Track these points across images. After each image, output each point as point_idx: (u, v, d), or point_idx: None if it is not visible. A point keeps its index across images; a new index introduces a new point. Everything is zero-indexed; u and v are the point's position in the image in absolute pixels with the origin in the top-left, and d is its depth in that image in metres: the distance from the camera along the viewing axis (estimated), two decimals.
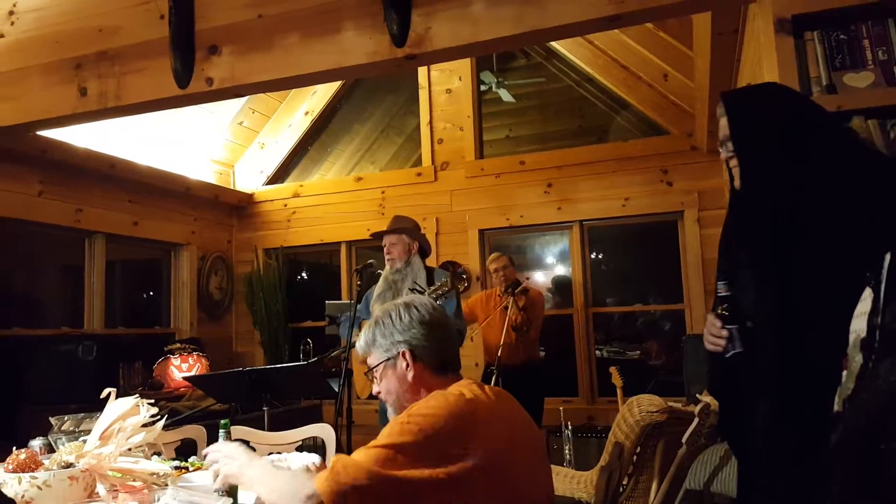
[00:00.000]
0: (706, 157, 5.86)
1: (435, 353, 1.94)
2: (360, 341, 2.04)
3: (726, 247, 1.96)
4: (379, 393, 2.01)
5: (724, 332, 1.86)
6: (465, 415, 1.71)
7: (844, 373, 1.40)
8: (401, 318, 1.96)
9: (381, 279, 4.27)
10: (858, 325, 1.37)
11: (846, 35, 2.48)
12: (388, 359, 1.95)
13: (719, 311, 1.89)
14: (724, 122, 1.89)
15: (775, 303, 1.72)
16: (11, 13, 4.02)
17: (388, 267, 4.24)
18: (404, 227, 4.32)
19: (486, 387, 1.90)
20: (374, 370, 1.99)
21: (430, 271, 4.30)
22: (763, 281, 1.76)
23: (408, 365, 1.92)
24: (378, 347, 1.98)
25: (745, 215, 1.87)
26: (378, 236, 4.44)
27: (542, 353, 5.63)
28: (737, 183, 1.85)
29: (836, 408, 1.37)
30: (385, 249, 4.27)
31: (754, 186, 1.81)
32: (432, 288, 3.99)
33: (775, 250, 1.72)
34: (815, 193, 1.68)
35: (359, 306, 4.44)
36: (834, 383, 1.40)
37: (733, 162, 1.86)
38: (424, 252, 4.38)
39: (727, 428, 2.06)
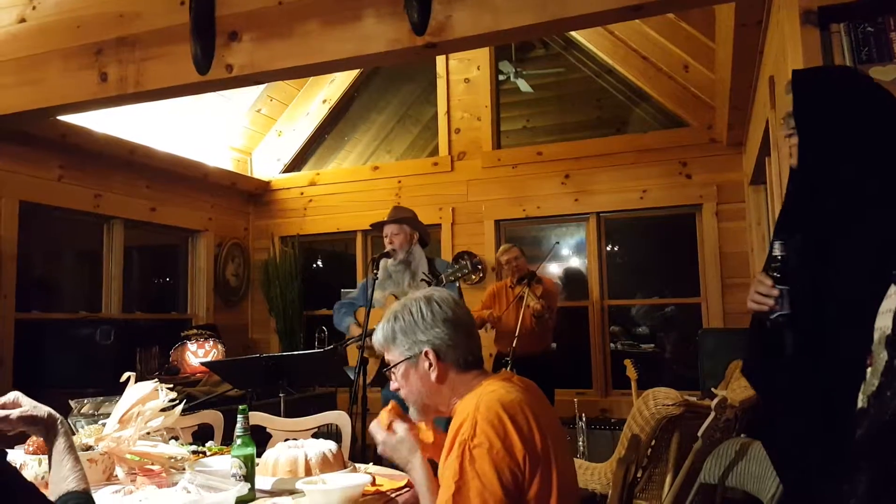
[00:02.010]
0: (726, 150, 5.81)
1: (459, 351, 1.87)
2: (378, 335, 1.95)
3: (785, 212, 1.93)
4: (397, 389, 1.95)
5: (775, 292, 1.80)
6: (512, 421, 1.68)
7: (869, 370, 1.38)
8: (423, 316, 1.87)
9: (381, 268, 4.26)
10: (884, 323, 1.36)
11: (873, 27, 2.44)
12: (409, 357, 1.88)
13: (772, 273, 1.84)
14: (788, 99, 1.85)
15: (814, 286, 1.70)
16: None
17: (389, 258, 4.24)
18: (405, 216, 4.30)
19: (516, 379, 1.87)
20: (395, 369, 1.92)
21: (430, 261, 4.31)
22: (805, 264, 1.75)
23: (431, 364, 1.85)
24: (399, 345, 1.90)
25: (797, 194, 1.85)
26: (378, 227, 4.43)
27: (554, 346, 5.60)
28: (793, 161, 1.83)
29: (860, 404, 1.36)
30: (388, 240, 4.25)
31: (808, 168, 1.78)
32: (451, 270, 3.98)
33: (813, 234, 1.71)
34: (863, 185, 1.64)
35: (354, 294, 4.45)
36: (858, 379, 1.38)
37: (793, 140, 1.83)
38: (424, 242, 4.38)
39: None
